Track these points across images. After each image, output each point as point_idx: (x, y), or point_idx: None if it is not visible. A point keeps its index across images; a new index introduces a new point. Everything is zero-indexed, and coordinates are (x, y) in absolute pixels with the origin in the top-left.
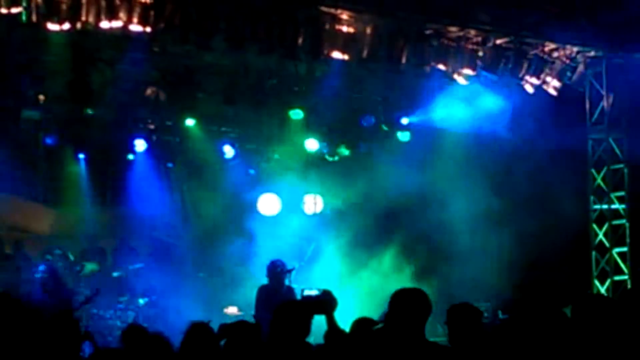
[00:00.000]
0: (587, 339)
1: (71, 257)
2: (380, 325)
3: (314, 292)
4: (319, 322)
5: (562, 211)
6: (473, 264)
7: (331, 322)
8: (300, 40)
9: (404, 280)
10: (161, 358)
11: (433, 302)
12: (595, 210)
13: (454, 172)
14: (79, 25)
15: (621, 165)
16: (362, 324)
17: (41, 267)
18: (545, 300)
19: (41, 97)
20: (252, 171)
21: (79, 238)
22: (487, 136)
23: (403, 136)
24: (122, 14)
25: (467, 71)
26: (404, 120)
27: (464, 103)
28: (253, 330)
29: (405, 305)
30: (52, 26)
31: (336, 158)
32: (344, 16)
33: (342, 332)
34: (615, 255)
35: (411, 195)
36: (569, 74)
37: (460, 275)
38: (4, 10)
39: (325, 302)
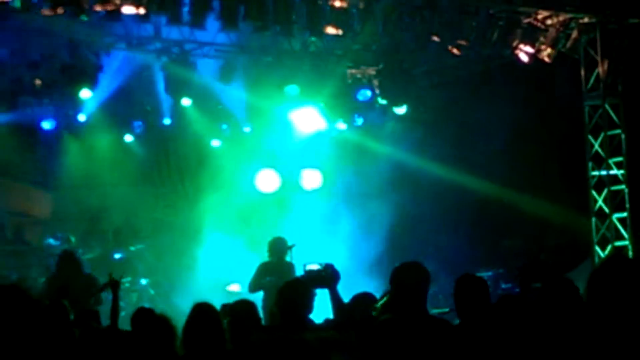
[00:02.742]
0: (603, 307)
1: (72, 240)
2: (382, 301)
3: (316, 267)
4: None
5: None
6: (471, 233)
7: (334, 295)
8: (294, 17)
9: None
10: (167, 340)
11: (434, 271)
12: (594, 176)
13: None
14: (73, 9)
15: (618, 131)
16: (362, 299)
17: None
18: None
19: (37, 82)
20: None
21: (80, 221)
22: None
23: (400, 109)
24: None
25: (462, 42)
26: (400, 110)
27: None
28: (254, 308)
29: (404, 279)
30: (47, 11)
31: (333, 133)
32: None
33: (345, 305)
34: (616, 221)
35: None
36: (563, 41)
37: (458, 244)
38: None
39: (327, 276)
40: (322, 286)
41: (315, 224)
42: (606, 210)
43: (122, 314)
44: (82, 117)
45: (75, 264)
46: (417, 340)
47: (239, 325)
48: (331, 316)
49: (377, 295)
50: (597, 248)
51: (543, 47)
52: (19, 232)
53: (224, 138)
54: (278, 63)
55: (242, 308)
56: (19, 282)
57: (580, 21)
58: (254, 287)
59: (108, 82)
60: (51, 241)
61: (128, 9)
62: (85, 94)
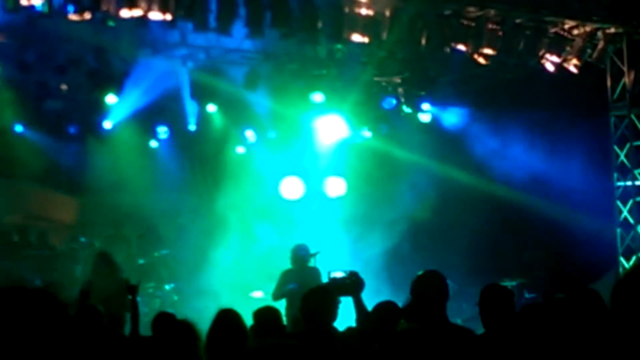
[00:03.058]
0: (627, 320)
1: (96, 245)
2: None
3: (340, 274)
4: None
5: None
6: (495, 242)
7: (358, 303)
8: (319, 24)
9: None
10: (190, 345)
11: (458, 280)
12: (619, 187)
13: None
14: (99, 14)
15: None
16: (385, 307)
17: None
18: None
19: (63, 86)
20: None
21: (104, 225)
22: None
23: (424, 118)
24: (142, 2)
25: (488, 51)
26: (425, 106)
27: None
28: (278, 315)
29: (422, 289)
30: (73, 16)
31: (358, 140)
32: None
33: (369, 314)
34: None
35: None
36: (589, 51)
37: (482, 252)
38: (24, 2)
39: (352, 284)
40: (346, 294)
41: (338, 232)
42: (631, 220)
43: (146, 319)
44: (107, 123)
45: (111, 266)
46: (440, 349)
47: (262, 332)
48: (354, 324)
49: (399, 304)
50: (622, 259)
51: (569, 56)
52: (43, 237)
53: (248, 144)
54: (303, 70)
55: (266, 314)
56: (46, 286)
57: (607, 31)
58: (277, 295)
59: (134, 87)
60: (75, 246)
61: (155, 15)
62: (111, 99)
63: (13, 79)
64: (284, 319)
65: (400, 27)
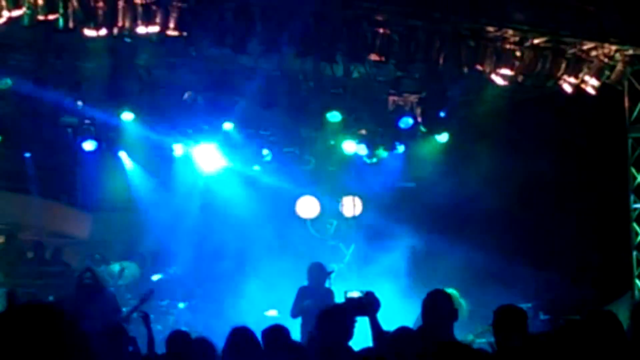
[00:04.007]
0: None
1: (110, 262)
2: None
3: (356, 294)
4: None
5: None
6: (511, 264)
7: (374, 323)
8: (337, 43)
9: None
10: None
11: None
12: (636, 209)
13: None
14: (115, 30)
15: None
16: (401, 332)
17: (87, 274)
18: (588, 300)
19: (79, 102)
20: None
21: (118, 243)
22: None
23: (441, 137)
24: (158, 19)
25: (505, 71)
26: (442, 138)
27: None
28: (288, 334)
29: (428, 310)
30: (89, 32)
31: (374, 160)
32: (380, 18)
33: (385, 334)
34: None
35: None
36: (607, 72)
37: (497, 275)
38: (41, 17)
39: (368, 304)
40: (362, 314)
41: (354, 251)
42: None
43: (160, 337)
44: (123, 140)
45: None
46: None
47: (275, 350)
48: (370, 344)
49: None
50: (638, 282)
51: (587, 78)
52: (57, 253)
53: (264, 162)
54: (320, 88)
55: (273, 332)
56: (59, 302)
57: (625, 53)
58: (295, 312)
59: (149, 104)
60: (89, 263)
61: (171, 32)
62: (126, 116)
63: (28, 94)
64: (300, 336)
65: (418, 46)
